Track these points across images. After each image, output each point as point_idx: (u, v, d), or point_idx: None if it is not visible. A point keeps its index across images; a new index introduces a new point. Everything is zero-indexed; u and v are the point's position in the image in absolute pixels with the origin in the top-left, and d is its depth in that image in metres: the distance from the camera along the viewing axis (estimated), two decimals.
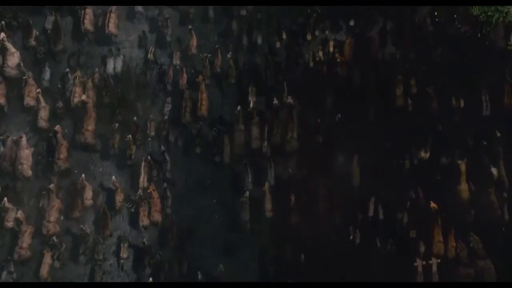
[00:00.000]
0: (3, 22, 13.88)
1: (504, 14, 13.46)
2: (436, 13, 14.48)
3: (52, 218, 12.89)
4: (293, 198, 13.47)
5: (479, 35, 14.06)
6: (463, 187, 12.98)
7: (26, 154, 13.21)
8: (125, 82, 14.49)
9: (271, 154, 13.97)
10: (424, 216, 13.08)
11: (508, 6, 13.44)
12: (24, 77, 13.67)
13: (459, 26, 14.22)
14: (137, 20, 15.11)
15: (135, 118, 14.04)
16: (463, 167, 12.82)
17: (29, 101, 13.69)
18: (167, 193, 13.62)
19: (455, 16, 14.33)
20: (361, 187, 13.75)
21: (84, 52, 14.71)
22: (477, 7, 13.62)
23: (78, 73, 14.26)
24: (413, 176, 13.64)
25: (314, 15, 14.97)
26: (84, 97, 13.66)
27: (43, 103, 13.68)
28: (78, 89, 14.01)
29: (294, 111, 14.06)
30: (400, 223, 13.39)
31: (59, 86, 14.19)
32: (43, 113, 13.76)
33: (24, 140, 13.21)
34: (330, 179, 13.84)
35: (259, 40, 14.91)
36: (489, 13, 13.52)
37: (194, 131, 14.25)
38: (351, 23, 15.08)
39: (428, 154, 13.54)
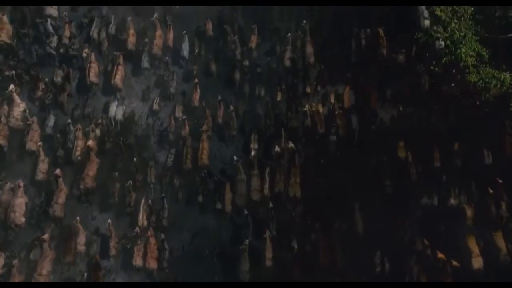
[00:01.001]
0: (13, 72, 14.45)
1: (502, 81, 13.49)
2: (435, 69, 14.98)
3: (44, 271, 12.27)
4: (295, 246, 12.96)
5: (477, 103, 14.50)
6: (471, 236, 12.64)
7: (19, 202, 12.87)
8: (128, 130, 14.67)
9: (273, 202, 13.67)
10: (432, 268, 12.56)
11: (505, 73, 13.62)
12: (28, 122, 13.81)
13: (457, 92, 14.83)
14: (143, 76, 15.68)
15: (134, 159, 14.03)
16: (469, 212, 12.59)
17: (31, 145, 13.73)
18: (164, 245, 13.12)
19: (452, 84, 14.97)
20: (365, 236, 13.30)
21: (88, 103, 15.05)
22: (474, 74, 13.66)
23: (79, 126, 14.41)
24: (419, 224, 13.29)
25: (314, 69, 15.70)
26: (90, 142, 13.72)
27: (42, 156, 13.65)
28: (80, 143, 14.10)
29: (296, 156, 14.09)
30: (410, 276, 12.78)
31: (58, 136, 14.27)
32: (42, 166, 13.68)
33: (21, 188, 12.99)
34: (334, 227, 13.47)
35: (262, 92, 15.42)
36: (487, 79, 13.55)
37: (197, 180, 14.14)
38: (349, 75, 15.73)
39: (434, 199, 13.35)
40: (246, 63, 15.57)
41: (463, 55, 13.79)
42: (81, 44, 15.43)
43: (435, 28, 14.33)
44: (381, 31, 15.39)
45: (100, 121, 14.56)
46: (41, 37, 15.11)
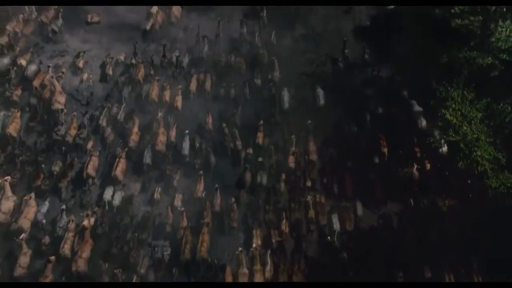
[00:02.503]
0: (18, 159, 14.71)
1: None
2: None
3: None
4: None
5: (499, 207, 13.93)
6: None
7: None
8: (125, 217, 14.20)
9: None
10: None
11: None
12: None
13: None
14: (145, 171, 15.65)
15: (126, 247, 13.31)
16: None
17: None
18: None
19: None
20: None
21: (85, 193, 14.86)
22: (493, 179, 13.27)
23: (72, 217, 13.95)
24: None
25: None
26: (86, 222, 13.19)
27: (25, 249, 12.95)
28: (70, 236, 13.45)
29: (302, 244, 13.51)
30: None
31: (44, 221, 13.77)
32: (23, 260, 12.82)
33: None
34: None
35: (264, 180, 15.28)
36: (508, 184, 13.13)
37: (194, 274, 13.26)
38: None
39: None
40: (250, 151, 15.96)
41: (479, 159, 13.57)
42: (89, 133, 16.01)
43: (448, 132, 14.36)
44: (382, 136, 16.00)
45: (96, 209, 14.21)
46: (48, 128, 15.74)
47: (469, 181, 14.58)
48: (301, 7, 22.35)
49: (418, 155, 15.50)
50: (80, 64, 18.30)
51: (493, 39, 14.71)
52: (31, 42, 19.25)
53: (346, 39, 19.98)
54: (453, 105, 14.52)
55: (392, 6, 22.08)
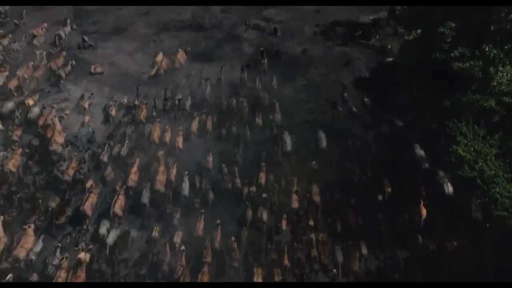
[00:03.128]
0: (16, 196, 14.64)
1: None
2: None
3: None
4: None
5: None
6: None
7: None
8: (121, 255, 13.60)
9: None
10: None
11: None
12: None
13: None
14: (143, 210, 15.31)
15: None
16: None
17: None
18: None
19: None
20: None
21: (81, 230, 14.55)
22: None
23: (67, 255, 13.50)
24: None
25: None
26: (82, 255, 12.78)
27: None
28: (62, 274, 12.93)
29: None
30: None
31: (33, 258, 13.32)
32: None
33: None
34: None
35: (264, 217, 14.93)
36: None
37: None
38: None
39: None
40: (253, 189, 15.78)
41: (498, 196, 13.24)
42: (90, 169, 15.99)
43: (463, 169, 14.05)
44: (386, 181, 15.74)
45: (91, 246, 13.66)
46: (47, 166, 15.82)
47: (487, 225, 13.87)
48: (300, 59, 23.37)
49: (423, 193, 15.07)
50: (86, 105, 18.77)
51: (495, 83, 14.85)
52: (39, 86, 20.15)
53: (345, 83, 20.55)
54: (465, 141, 14.37)
55: (390, 59, 23.04)
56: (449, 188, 14.70)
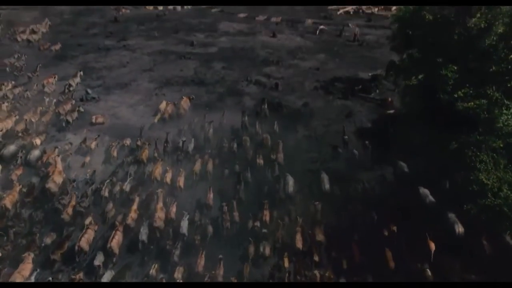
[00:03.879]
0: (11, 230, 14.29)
1: None
2: None
3: None
4: None
5: None
6: None
7: None
8: None
9: None
10: None
11: None
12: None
13: None
14: (141, 247, 14.71)
15: None
16: None
17: None
18: None
19: None
20: None
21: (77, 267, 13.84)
22: None
23: None
24: None
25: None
26: None
27: None
28: None
29: None
30: None
31: None
32: None
33: None
34: None
35: (267, 251, 14.35)
36: None
37: None
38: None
39: None
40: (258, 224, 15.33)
41: None
42: (90, 204, 15.92)
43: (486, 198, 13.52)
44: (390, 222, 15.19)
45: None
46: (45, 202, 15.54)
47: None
48: (302, 112, 23.51)
49: (431, 230, 14.31)
50: (92, 145, 19.15)
51: (500, 125, 14.71)
52: (46, 129, 20.79)
53: (345, 126, 20.72)
54: (486, 167, 13.98)
55: (392, 111, 23.18)
56: (460, 229, 14.09)
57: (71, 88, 24.18)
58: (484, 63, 14.78)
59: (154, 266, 13.61)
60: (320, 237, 14.82)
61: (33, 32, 32.85)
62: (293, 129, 21.94)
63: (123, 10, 41.61)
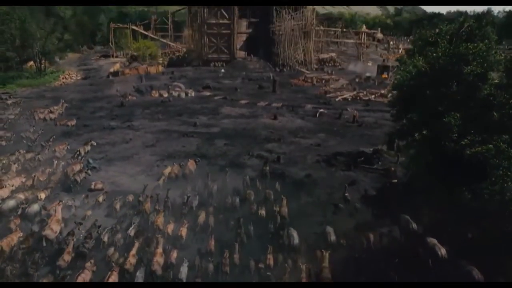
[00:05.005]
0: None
1: None
2: None
3: None
4: None
5: None
6: None
7: None
8: None
9: None
10: None
11: None
12: None
13: None
14: None
15: None
16: None
17: None
18: None
19: None
20: None
21: None
22: None
23: None
24: None
25: None
26: None
27: None
28: None
29: None
30: None
31: None
32: None
33: None
34: None
35: None
36: None
37: None
38: None
39: None
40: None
41: None
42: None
43: None
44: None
45: None
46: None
47: None
48: (304, 181, 23.15)
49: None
50: (100, 199, 19.42)
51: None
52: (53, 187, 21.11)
53: (347, 185, 20.62)
54: None
55: (395, 180, 22.83)
56: (479, 276, 13.21)
57: (80, 157, 25.23)
58: (485, 110, 14.85)
59: None
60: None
61: (50, 112, 36.24)
62: (296, 197, 21.43)
63: (130, 97, 43.34)
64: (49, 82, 54.56)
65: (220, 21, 67.27)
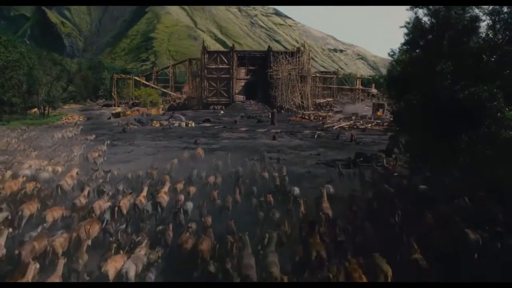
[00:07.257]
0: None
1: None
2: None
3: None
4: None
5: None
6: None
7: None
8: None
9: None
10: None
11: None
12: None
13: None
14: None
15: None
16: None
17: None
18: None
19: None
20: None
21: None
22: None
23: None
24: None
25: None
26: None
27: None
28: None
29: None
30: None
31: None
32: None
33: None
34: None
35: None
36: None
37: None
38: None
39: None
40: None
41: None
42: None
43: None
44: None
45: None
46: None
47: None
48: (305, 176, 23.24)
49: None
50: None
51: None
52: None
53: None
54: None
55: (396, 173, 22.86)
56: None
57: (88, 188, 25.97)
58: (476, 58, 15.40)
59: None
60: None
61: (69, 131, 38.66)
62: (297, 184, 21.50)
63: (131, 126, 44.21)
64: (52, 122, 55.66)
65: (220, 66, 70.10)
